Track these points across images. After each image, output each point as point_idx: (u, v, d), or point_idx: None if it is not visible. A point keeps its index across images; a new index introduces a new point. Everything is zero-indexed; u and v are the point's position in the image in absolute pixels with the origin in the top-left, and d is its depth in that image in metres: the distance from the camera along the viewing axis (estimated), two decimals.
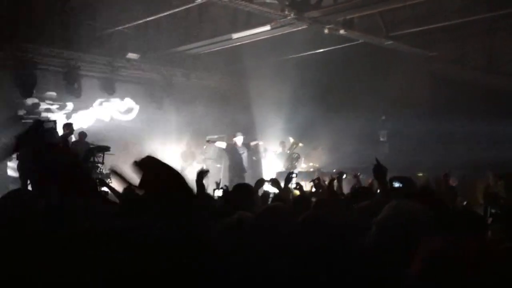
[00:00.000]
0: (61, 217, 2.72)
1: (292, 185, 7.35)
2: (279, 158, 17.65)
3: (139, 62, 17.64)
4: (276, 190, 6.67)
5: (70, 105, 16.84)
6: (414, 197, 2.96)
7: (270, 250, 2.95)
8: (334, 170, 13.08)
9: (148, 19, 14.91)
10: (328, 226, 3.03)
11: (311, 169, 16.78)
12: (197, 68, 18.81)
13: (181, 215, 2.32)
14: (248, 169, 16.14)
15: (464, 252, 1.83)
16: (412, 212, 2.48)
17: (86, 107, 17.13)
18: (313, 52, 16.76)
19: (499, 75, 17.09)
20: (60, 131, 14.28)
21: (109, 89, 17.27)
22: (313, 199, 5.95)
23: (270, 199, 6.59)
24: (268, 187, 7.50)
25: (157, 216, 2.26)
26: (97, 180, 8.53)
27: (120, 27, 15.75)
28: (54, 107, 16.59)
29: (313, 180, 7.65)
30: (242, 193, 5.28)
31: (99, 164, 14.37)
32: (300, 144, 17.59)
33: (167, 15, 14.67)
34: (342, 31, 14.48)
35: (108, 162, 14.09)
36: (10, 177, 14.88)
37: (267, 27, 14.32)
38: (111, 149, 14.71)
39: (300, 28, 14.19)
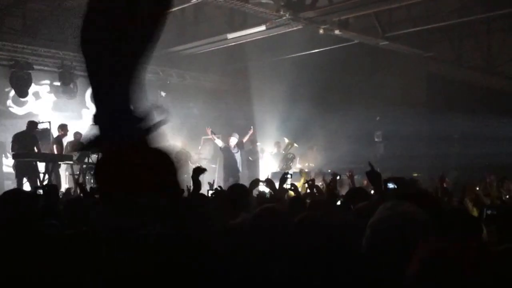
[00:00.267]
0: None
1: (287, 185, 7.31)
2: (274, 158, 17.64)
3: None
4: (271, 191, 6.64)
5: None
6: (408, 198, 2.94)
7: (267, 251, 2.93)
8: (329, 171, 13.08)
9: None
10: (323, 227, 3.02)
11: (306, 170, 16.77)
12: (192, 68, 18.77)
13: (168, 215, 2.30)
14: (244, 169, 16.12)
15: (463, 254, 1.82)
16: (407, 214, 2.46)
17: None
18: (309, 52, 16.74)
19: (496, 75, 17.12)
20: (55, 132, 14.28)
21: None
22: (308, 200, 5.93)
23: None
24: (263, 188, 7.48)
25: (149, 216, 2.24)
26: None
27: None
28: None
29: (307, 181, 7.61)
30: (237, 193, 5.27)
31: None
32: (295, 145, 17.57)
33: None
34: (337, 32, 14.49)
35: None
36: (5, 174, 14.93)
37: (263, 27, 14.31)
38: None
39: (295, 28, 14.18)
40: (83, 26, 2.66)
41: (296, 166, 17.31)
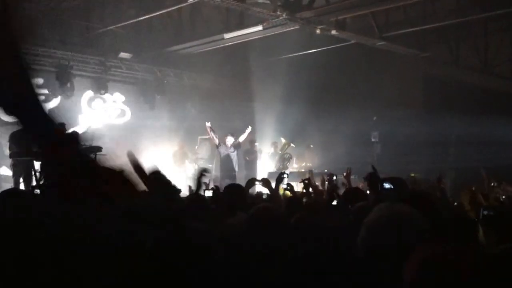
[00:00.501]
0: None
1: (283, 185, 7.28)
2: (271, 158, 17.63)
3: (131, 62, 17.61)
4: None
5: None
6: (405, 199, 2.93)
7: (263, 252, 2.92)
8: (325, 171, 13.06)
9: (140, 18, 14.86)
10: (320, 227, 3.01)
11: (303, 170, 16.75)
12: (189, 68, 18.76)
13: (164, 220, 2.29)
14: (242, 169, 16.09)
15: (460, 257, 1.81)
16: (403, 214, 2.45)
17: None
18: (306, 52, 16.74)
19: (493, 76, 17.14)
20: None
21: (101, 89, 17.24)
22: (304, 200, 5.93)
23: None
24: (261, 188, 7.46)
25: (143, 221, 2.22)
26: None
27: (112, 27, 15.70)
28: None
29: (303, 181, 7.54)
30: (234, 193, 5.27)
31: None
32: (292, 145, 17.57)
33: (159, 14, 14.64)
34: (334, 32, 14.47)
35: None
36: (2, 175, 14.86)
37: (259, 27, 14.30)
38: (103, 150, 14.62)
39: (292, 28, 14.17)
40: None
41: (293, 166, 17.32)
